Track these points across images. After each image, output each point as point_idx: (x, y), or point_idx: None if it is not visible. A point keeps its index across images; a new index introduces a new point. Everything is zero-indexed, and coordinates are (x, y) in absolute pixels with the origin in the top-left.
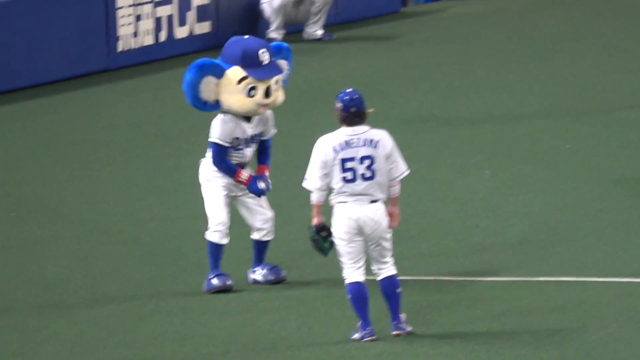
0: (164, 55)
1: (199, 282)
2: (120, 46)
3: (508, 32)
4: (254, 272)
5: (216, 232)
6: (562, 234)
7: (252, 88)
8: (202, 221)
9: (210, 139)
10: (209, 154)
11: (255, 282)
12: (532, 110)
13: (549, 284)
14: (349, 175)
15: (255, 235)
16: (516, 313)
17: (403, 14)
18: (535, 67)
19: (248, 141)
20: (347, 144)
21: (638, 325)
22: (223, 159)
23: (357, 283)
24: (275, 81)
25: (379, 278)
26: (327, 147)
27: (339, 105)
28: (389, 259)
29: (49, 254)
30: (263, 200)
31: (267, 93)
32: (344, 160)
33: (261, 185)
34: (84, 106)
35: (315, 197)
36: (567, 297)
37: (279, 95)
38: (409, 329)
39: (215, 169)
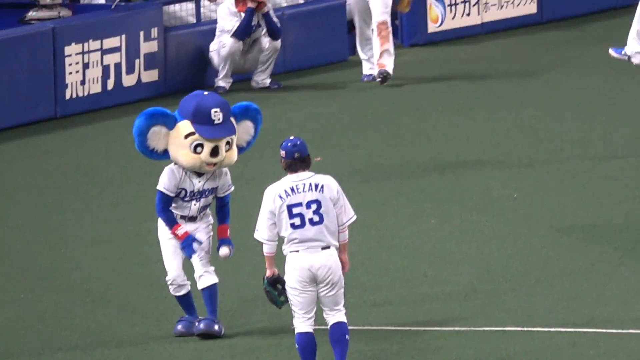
0: (112, 103)
1: (144, 332)
2: (68, 94)
3: (456, 81)
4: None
5: (170, 286)
6: (510, 283)
7: (198, 145)
8: (150, 269)
9: (157, 187)
10: None
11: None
12: (480, 159)
13: (495, 334)
14: (297, 221)
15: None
16: None
17: (351, 62)
18: (483, 115)
19: (196, 195)
20: (293, 191)
21: None
22: (165, 208)
23: (307, 334)
24: (226, 142)
25: (330, 323)
26: (273, 195)
27: (282, 153)
28: (341, 307)
29: None
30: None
31: (215, 152)
32: (290, 207)
33: (224, 251)
34: (32, 154)
35: (266, 248)
36: (512, 347)
37: (229, 156)
38: None
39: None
